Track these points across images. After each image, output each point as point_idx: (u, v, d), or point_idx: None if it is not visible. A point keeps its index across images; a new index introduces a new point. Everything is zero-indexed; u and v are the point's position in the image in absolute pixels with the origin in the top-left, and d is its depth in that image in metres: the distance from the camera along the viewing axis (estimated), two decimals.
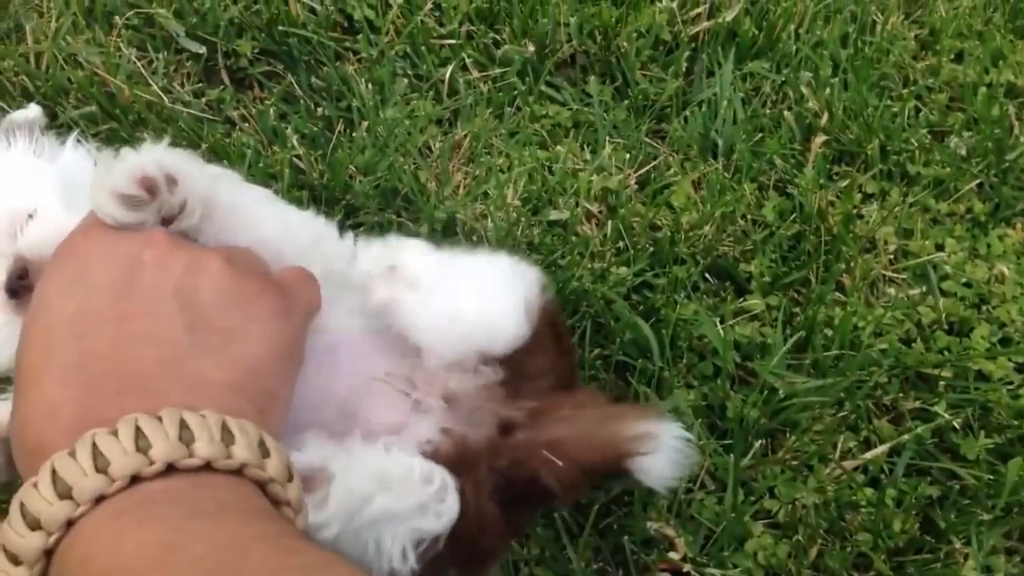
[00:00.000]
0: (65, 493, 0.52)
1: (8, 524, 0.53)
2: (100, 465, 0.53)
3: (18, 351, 0.64)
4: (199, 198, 0.71)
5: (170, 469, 0.54)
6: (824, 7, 1.41)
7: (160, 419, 0.55)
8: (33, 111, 0.93)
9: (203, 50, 1.25)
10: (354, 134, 1.20)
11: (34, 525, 0.52)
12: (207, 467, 0.55)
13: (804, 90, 1.32)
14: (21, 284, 0.77)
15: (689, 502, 0.98)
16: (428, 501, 0.73)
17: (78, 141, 0.90)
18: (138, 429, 0.54)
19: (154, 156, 0.69)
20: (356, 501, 0.71)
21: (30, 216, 0.80)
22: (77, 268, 0.65)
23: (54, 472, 0.53)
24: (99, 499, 0.52)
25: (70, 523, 0.52)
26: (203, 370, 0.62)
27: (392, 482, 0.72)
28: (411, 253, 0.82)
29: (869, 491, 0.99)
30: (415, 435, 0.78)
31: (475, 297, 0.80)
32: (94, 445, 0.53)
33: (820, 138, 1.26)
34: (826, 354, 1.06)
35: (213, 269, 0.66)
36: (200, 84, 1.23)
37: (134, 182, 0.66)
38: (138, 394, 0.59)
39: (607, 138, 1.26)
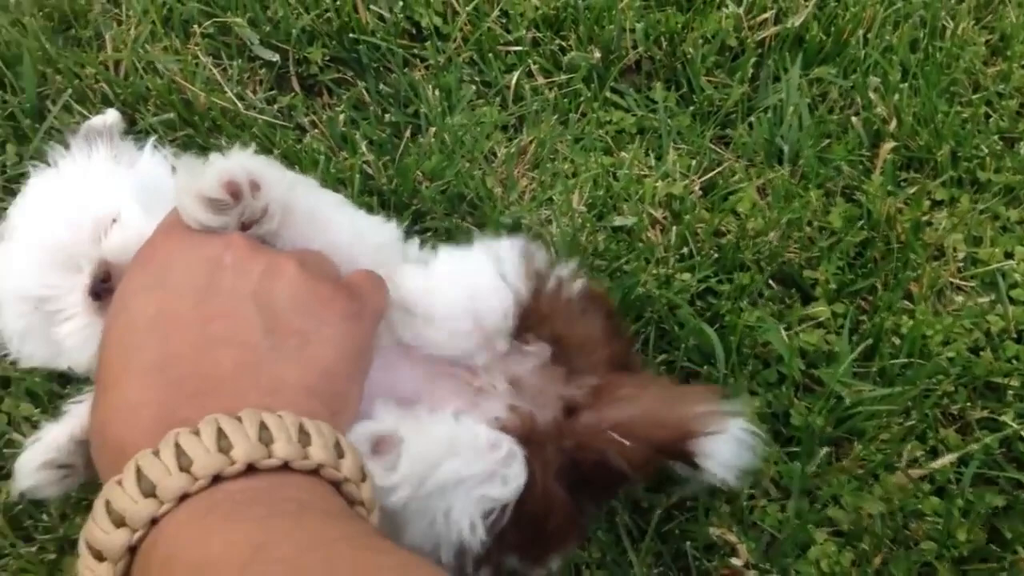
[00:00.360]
0: (149, 491, 0.54)
1: (93, 521, 0.55)
2: (183, 464, 0.54)
3: (100, 350, 0.67)
4: (280, 203, 0.73)
5: (250, 469, 0.56)
6: (893, 12, 1.40)
7: (240, 420, 0.57)
8: (111, 116, 0.96)
9: (276, 58, 1.28)
10: (421, 140, 1.22)
11: (119, 522, 0.54)
12: (285, 467, 0.57)
13: (872, 96, 1.31)
14: (104, 287, 0.80)
15: (751, 509, 0.98)
16: (495, 467, 0.74)
17: (155, 146, 0.93)
18: (219, 430, 0.56)
19: (240, 162, 0.72)
20: (426, 464, 0.72)
21: (113, 221, 0.83)
22: (158, 271, 0.67)
23: (138, 471, 0.55)
24: (182, 497, 0.54)
25: (154, 521, 0.54)
26: (280, 372, 0.64)
27: (460, 447, 0.74)
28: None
29: (935, 500, 0.98)
30: (483, 412, 0.80)
31: (456, 276, 0.82)
32: (177, 445, 0.55)
33: (889, 144, 1.25)
34: (893, 362, 1.06)
35: (289, 273, 0.68)
36: (272, 91, 1.27)
37: (220, 186, 0.69)
38: (217, 395, 0.61)
39: (672, 144, 1.26)
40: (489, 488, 0.74)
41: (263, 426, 0.58)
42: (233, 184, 0.69)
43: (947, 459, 1.01)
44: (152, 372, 0.62)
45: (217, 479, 0.55)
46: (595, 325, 0.88)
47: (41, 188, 0.88)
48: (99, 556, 0.54)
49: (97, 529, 0.55)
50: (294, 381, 0.64)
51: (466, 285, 0.81)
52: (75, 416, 0.77)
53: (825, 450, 1.00)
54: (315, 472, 0.58)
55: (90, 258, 0.81)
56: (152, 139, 0.94)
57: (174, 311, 0.65)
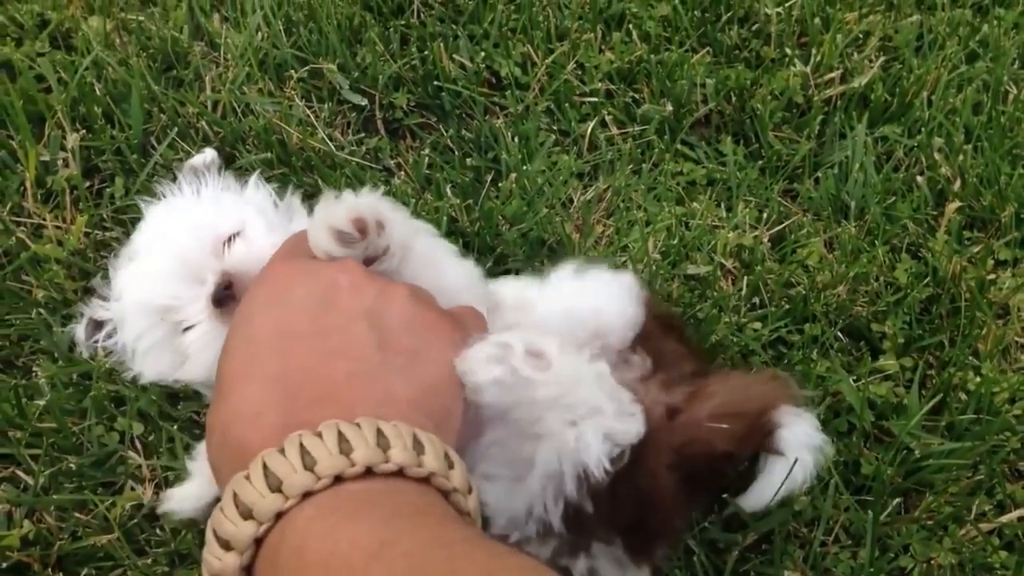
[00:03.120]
0: (275, 487, 0.58)
1: (221, 512, 0.59)
2: (307, 463, 0.58)
3: (221, 359, 0.71)
4: (400, 244, 0.79)
5: (368, 472, 0.59)
6: (957, 76, 1.44)
7: (359, 426, 0.61)
8: (209, 155, 1.02)
9: (364, 102, 1.34)
10: (501, 185, 1.27)
11: (246, 515, 0.58)
12: (399, 473, 0.60)
13: (936, 156, 1.35)
14: (226, 294, 0.84)
15: (824, 555, 1.01)
16: (623, 408, 0.80)
17: (258, 180, 0.98)
18: (340, 434, 0.60)
19: (369, 201, 0.77)
20: (574, 379, 0.78)
21: (234, 236, 0.88)
22: (279, 290, 0.72)
23: (265, 467, 0.59)
24: (306, 495, 0.58)
25: (279, 515, 0.58)
26: (391, 386, 0.68)
27: (603, 380, 0.80)
28: (506, 288, 0.93)
29: (1004, 554, 1.01)
30: None
31: (580, 291, 0.93)
32: (301, 445, 0.59)
33: (953, 204, 1.29)
34: (961, 417, 1.08)
35: (400, 297, 0.73)
36: (360, 134, 1.33)
37: (350, 221, 0.74)
38: (333, 403, 0.65)
39: (741, 196, 1.31)
40: (617, 423, 0.79)
41: (380, 433, 0.61)
42: (361, 221, 0.75)
43: (1015, 514, 1.03)
44: (273, 380, 0.66)
45: (338, 480, 0.59)
46: (680, 343, 0.98)
47: (161, 213, 0.94)
48: (226, 546, 0.58)
49: (225, 520, 0.58)
50: (403, 395, 0.68)
51: (594, 301, 0.91)
52: None
53: (896, 500, 1.03)
54: (426, 480, 0.61)
55: (213, 270, 0.86)
56: (256, 173, 0.99)
57: (293, 326, 0.69)
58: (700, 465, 0.88)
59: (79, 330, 0.94)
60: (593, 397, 0.79)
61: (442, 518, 0.60)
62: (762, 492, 0.94)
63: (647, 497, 0.83)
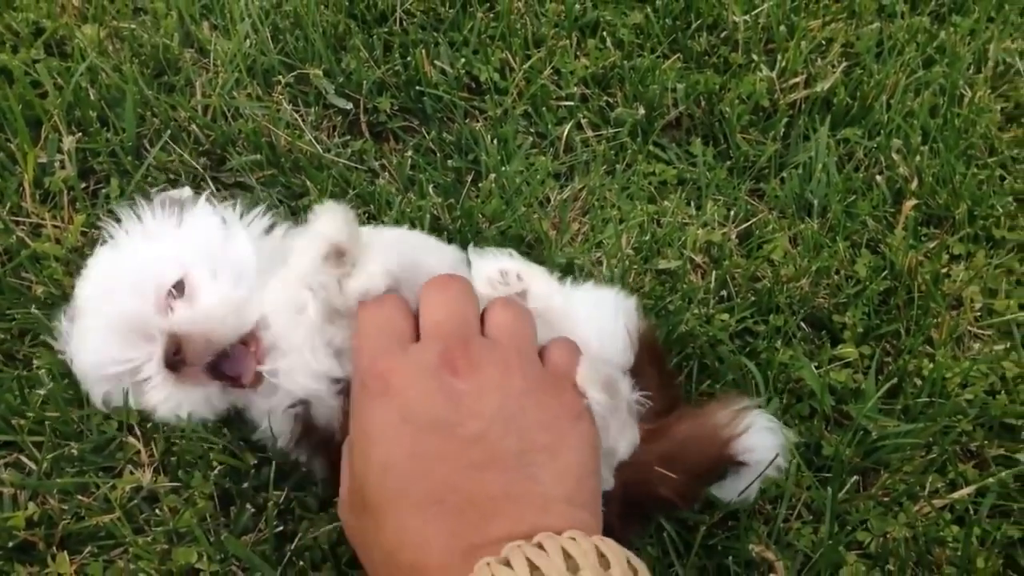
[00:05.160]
0: None
1: None
2: None
3: (356, 473, 0.74)
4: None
5: None
6: (915, 80, 1.52)
7: (542, 548, 0.63)
8: (187, 192, 1.04)
9: (349, 106, 1.40)
10: (481, 185, 1.33)
11: None
12: None
13: (895, 156, 1.42)
14: (176, 360, 0.87)
15: (787, 531, 1.07)
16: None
17: (208, 200, 1.00)
18: (529, 561, 0.62)
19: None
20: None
21: (177, 285, 0.90)
22: (399, 406, 0.73)
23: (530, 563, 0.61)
24: None
25: None
26: (544, 489, 0.71)
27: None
28: (541, 283, 0.95)
29: (955, 528, 1.07)
30: None
31: (596, 328, 0.95)
32: (528, 561, 0.62)
33: (910, 202, 1.35)
34: (916, 401, 1.15)
35: (524, 387, 0.76)
36: (346, 137, 1.38)
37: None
38: (498, 519, 0.68)
39: (710, 195, 1.37)
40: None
41: (566, 554, 0.63)
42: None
43: (966, 491, 1.10)
44: (427, 504, 0.69)
45: None
46: (658, 375, 1.01)
47: (102, 263, 0.95)
48: None
49: None
50: (559, 494, 0.71)
51: (603, 331, 0.95)
52: None
53: (854, 478, 1.09)
54: None
55: (159, 328, 0.87)
56: (205, 193, 1.02)
57: (428, 447, 0.71)
58: (639, 501, 0.93)
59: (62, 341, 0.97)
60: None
61: None
62: (735, 487, 1.00)
63: None
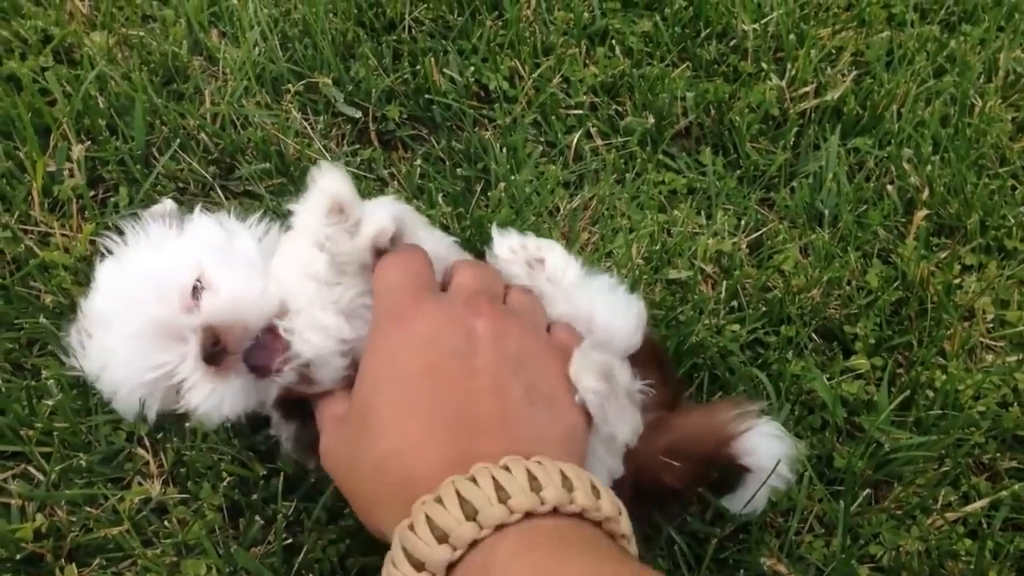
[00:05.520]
0: (471, 515, 0.62)
1: (415, 534, 0.63)
2: (501, 497, 0.63)
3: (363, 393, 0.76)
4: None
5: (552, 511, 0.64)
6: (925, 89, 1.51)
7: (541, 464, 0.66)
8: (168, 204, 1.03)
9: (358, 114, 1.39)
10: (491, 194, 1.32)
11: (441, 539, 0.62)
12: (578, 515, 0.65)
13: (906, 166, 1.41)
14: (215, 350, 0.86)
15: (799, 544, 1.06)
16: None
17: (202, 211, 1.00)
18: (528, 471, 0.65)
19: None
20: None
21: (196, 284, 0.89)
22: (421, 333, 0.76)
23: (459, 495, 0.63)
24: (498, 527, 0.62)
25: (472, 543, 0.62)
26: (542, 424, 0.74)
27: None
28: (558, 256, 0.97)
29: (968, 542, 1.06)
30: None
31: (606, 303, 0.96)
32: (494, 479, 0.64)
33: (921, 212, 1.35)
34: (928, 413, 1.14)
35: (535, 345, 0.80)
36: (355, 145, 1.38)
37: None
38: (497, 437, 0.70)
39: (720, 205, 1.36)
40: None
41: (563, 475, 0.66)
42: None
43: (979, 504, 1.09)
44: (429, 415, 0.71)
45: (526, 516, 0.63)
46: (658, 373, 1.00)
47: (115, 273, 0.94)
48: (418, 566, 0.62)
49: (420, 542, 0.62)
50: (554, 435, 0.74)
51: (616, 306, 0.97)
52: None
53: (866, 491, 1.08)
54: (599, 523, 0.66)
55: (190, 327, 0.87)
56: (199, 206, 1.01)
57: (442, 367, 0.74)
58: (646, 488, 0.94)
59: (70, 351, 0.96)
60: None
61: (615, 552, 0.66)
62: (743, 497, 0.99)
63: None
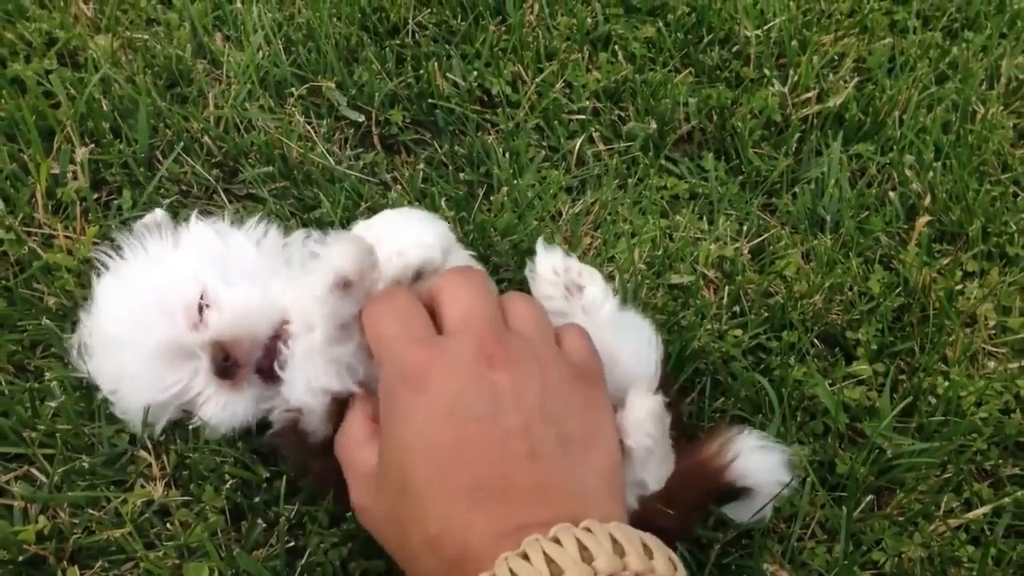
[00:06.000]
0: None
1: None
2: (554, 572, 0.62)
3: (392, 462, 0.76)
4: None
5: None
6: (927, 96, 1.51)
7: (591, 531, 0.65)
8: (159, 214, 1.04)
9: (361, 118, 1.39)
10: (493, 198, 1.32)
11: None
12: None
13: (908, 172, 1.41)
14: (227, 365, 0.88)
15: (801, 550, 1.06)
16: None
17: (198, 218, 1.01)
18: (578, 540, 0.64)
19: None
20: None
21: (200, 300, 0.90)
22: (442, 398, 0.75)
23: (512, 574, 0.63)
24: None
25: None
26: (583, 478, 0.73)
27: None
28: (599, 287, 0.98)
29: (971, 549, 1.06)
30: None
31: (634, 345, 0.94)
32: (544, 553, 0.63)
33: (924, 218, 1.35)
34: (931, 419, 1.14)
35: (556, 378, 0.78)
36: (358, 149, 1.38)
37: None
38: (539, 505, 0.70)
39: (722, 210, 1.36)
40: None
41: (582, 545, 0.64)
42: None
43: (981, 511, 1.09)
44: (472, 492, 0.70)
45: None
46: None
47: (113, 294, 0.95)
48: None
49: None
50: (596, 484, 0.74)
51: (642, 350, 0.96)
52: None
53: (868, 498, 1.08)
54: None
55: (199, 344, 0.89)
56: (194, 213, 1.03)
57: (471, 436, 0.73)
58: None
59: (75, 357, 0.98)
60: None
61: None
62: (748, 508, 1.01)
63: None
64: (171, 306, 0.91)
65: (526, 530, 0.66)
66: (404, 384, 0.77)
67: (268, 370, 0.90)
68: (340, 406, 0.87)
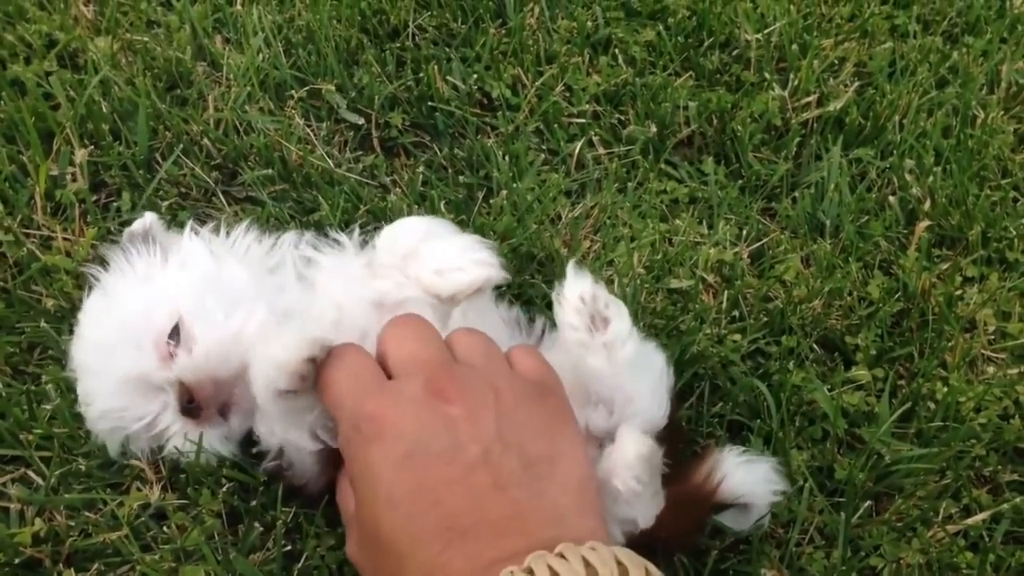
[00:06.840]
0: None
1: None
2: None
3: (364, 520, 0.75)
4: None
5: None
6: (927, 100, 1.51)
7: (564, 557, 0.64)
8: (149, 219, 1.03)
9: (361, 121, 1.39)
10: (492, 201, 1.32)
11: None
12: None
13: (908, 177, 1.41)
14: (191, 407, 0.88)
15: (799, 555, 1.06)
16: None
17: (192, 231, 1.00)
18: (550, 568, 0.63)
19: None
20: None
21: (174, 330, 0.90)
22: (397, 442, 0.74)
23: None
24: None
25: None
26: (553, 500, 0.72)
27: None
28: (624, 324, 0.93)
29: (969, 555, 1.06)
30: None
31: (649, 388, 0.94)
32: None
33: (923, 223, 1.35)
34: (929, 425, 1.14)
35: (511, 402, 0.77)
36: (357, 152, 1.38)
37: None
38: (512, 536, 0.69)
39: (721, 214, 1.36)
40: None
41: (586, 563, 0.64)
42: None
43: (980, 517, 1.08)
44: (441, 533, 0.69)
45: None
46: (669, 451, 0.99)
47: (95, 317, 0.95)
48: None
49: None
50: (567, 503, 0.73)
51: (657, 394, 0.96)
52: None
53: (867, 503, 1.08)
54: None
55: (166, 380, 0.89)
56: (189, 224, 1.02)
57: (434, 477, 0.72)
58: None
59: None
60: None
61: None
62: (747, 518, 1.01)
63: None
64: (143, 337, 0.90)
65: (499, 564, 0.65)
66: (359, 436, 0.76)
67: (228, 415, 0.91)
68: (334, 456, 0.87)
